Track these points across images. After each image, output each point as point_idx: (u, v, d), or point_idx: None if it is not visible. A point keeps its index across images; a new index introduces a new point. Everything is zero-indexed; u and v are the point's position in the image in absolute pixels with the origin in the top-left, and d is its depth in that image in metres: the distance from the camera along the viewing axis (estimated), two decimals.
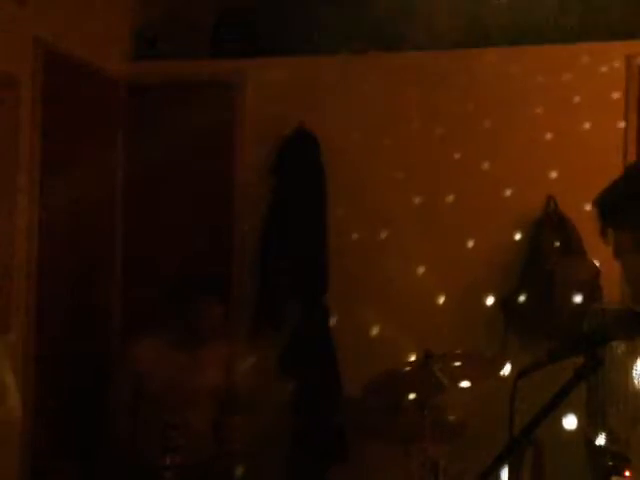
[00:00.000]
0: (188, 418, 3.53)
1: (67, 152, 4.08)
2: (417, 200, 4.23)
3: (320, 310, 4.28)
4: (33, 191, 3.83)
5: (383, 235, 4.27)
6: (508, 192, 4.13)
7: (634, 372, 2.11)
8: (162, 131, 4.46)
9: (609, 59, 4.06)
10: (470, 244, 4.17)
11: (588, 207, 1.85)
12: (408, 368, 3.44)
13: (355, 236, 4.30)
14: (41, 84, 3.85)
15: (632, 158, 3.97)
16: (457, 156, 4.22)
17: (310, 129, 4.33)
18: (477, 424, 3.65)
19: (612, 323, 1.64)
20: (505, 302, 4.07)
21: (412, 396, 3.34)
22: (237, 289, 4.41)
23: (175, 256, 4.42)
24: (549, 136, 4.10)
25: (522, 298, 3.99)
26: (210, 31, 4.64)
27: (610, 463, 2.01)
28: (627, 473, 1.92)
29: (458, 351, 3.55)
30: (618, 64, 4.04)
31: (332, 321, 4.28)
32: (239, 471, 3.73)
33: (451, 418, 3.60)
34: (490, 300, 4.09)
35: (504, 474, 1.48)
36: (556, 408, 1.48)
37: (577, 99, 4.09)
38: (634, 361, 2.15)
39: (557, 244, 3.97)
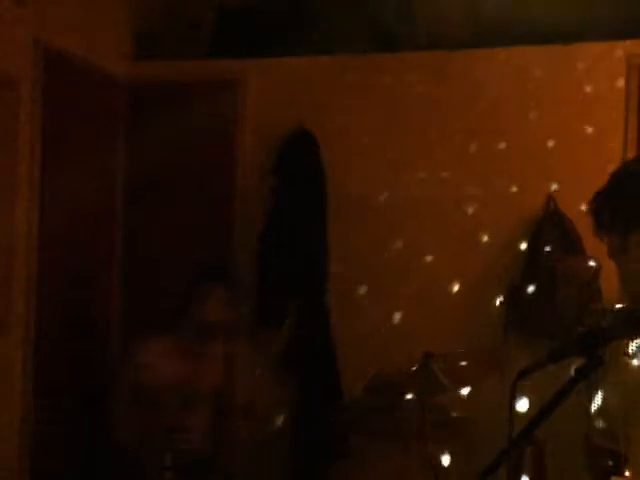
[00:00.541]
0: (188, 419, 3.53)
1: (67, 152, 4.08)
2: (417, 199, 4.23)
3: (320, 310, 4.28)
4: (33, 191, 3.83)
5: (383, 235, 4.27)
6: (508, 192, 4.13)
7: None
8: (162, 131, 4.45)
9: (609, 59, 4.06)
10: (470, 244, 4.17)
11: (589, 212, 1.87)
12: (408, 368, 3.44)
13: (355, 236, 4.30)
14: (41, 84, 3.85)
15: (632, 158, 3.97)
16: (457, 156, 4.22)
17: (310, 129, 4.32)
18: (477, 424, 3.65)
19: (612, 323, 1.64)
20: (505, 302, 4.07)
21: (412, 396, 3.34)
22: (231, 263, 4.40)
23: (175, 256, 4.43)
24: (549, 136, 4.10)
25: (522, 298, 3.99)
26: (210, 31, 4.64)
27: (610, 463, 2.01)
28: (627, 473, 1.92)
29: (458, 351, 3.55)
30: (618, 64, 4.04)
31: (332, 321, 4.28)
32: (239, 471, 3.73)
33: (451, 418, 3.60)
34: (490, 300, 4.09)
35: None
36: (556, 408, 1.48)
37: (577, 99, 4.09)
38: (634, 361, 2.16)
39: (557, 244, 3.97)
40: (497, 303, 4.09)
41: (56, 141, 3.96)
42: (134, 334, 3.94)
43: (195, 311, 3.61)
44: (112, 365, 4.24)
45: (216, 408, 3.78)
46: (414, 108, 4.30)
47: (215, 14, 4.64)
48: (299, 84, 4.41)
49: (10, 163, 3.69)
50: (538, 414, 1.49)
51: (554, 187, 4.04)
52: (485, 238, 4.15)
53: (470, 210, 4.18)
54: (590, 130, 4.05)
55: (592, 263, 3.87)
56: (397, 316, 4.17)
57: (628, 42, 4.03)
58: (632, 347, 1.97)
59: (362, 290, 4.27)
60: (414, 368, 3.36)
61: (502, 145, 4.18)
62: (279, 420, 4.21)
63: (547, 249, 3.98)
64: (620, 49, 4.04)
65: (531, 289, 3.98)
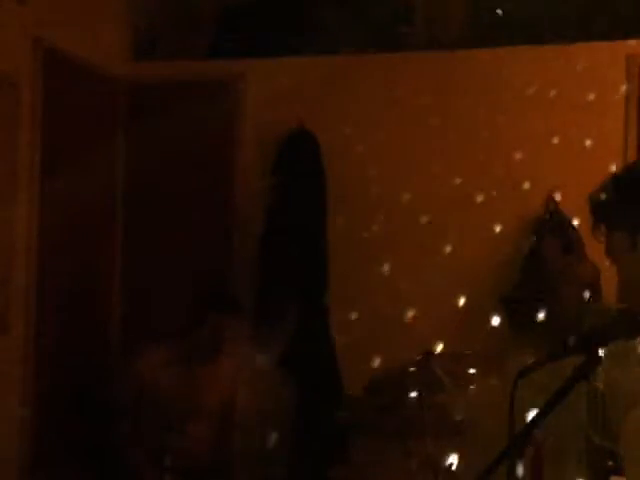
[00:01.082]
0: (189, 425, 3.53)
1: (67, 152, 4.08)
2: (417, 199, 4.23)
3: (320, 310, 4.28)
4: (33, 191, 3.84)
5: (383, 235, 4.27)
6: (508, 192, 4.13)
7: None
8: (162, 131, 4.45)
9: (609, 59, 4.06)
10: (470, 244, 4.17)
11: (588, 207, 1.84)
12: (408, 368, 3.44)
13: (355, 236, 4.30)
14: (41, 84, 3.86)
15: (632, 158, 3.97)
16: (457, 156, 4.22)
17: (310, 129, 4.32)
18: (477, 423, 3.65)
19: (612, 323, 1.64)
20: (505, 301, 4.07)
21: (412, 395, 3.34)
22: (237, 289, 4.41)
23: (175, 256, 4.43)
24: (549, 136, 4.10)
25: (522, 298, 3.99)
26: (210, 31, 4.64)
27: (610, 463, 2.01)
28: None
29: (458, 350, 3.55)
30: (618, 64, 4.04)
31: (332, 321, 4.28)
32: (239, 472, 3.73)
33: (451, 417, 3.60)
34: (490, 300, 4.09)
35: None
36: (556, 408, 1.48)
37: (577, 99, 4.09)
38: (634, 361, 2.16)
39: (557, 244, 3.97)
40: (497, 303, 4.09)
41: (56, 141, 3.96)
42: (134, 335, 3.94)
43: (202, 336, 3.64)
44: (112, 366, 4.24)
45: (219, 419, 3.76)
46: (414, 108, 4.30)
47: (215, 14, 4.64)
48: (299, 84, 4.41)
49: (10, 163, 3.69)
50: (538, 414, 1.48)
51: (554, 187, 4.04)
52: (485, 238, 4.15)
53: (470, 210, 4.18)
54: (590, 130, 4.05)
55: (592, 263, 3.87)
56: (397, 316, 4.17)
57: (628, 42, 4.03)
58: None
59: (362, 290, 4.26)
60: (414, 368, 3.36)
61: (502, 145, 4.18)
62: (279, 420, 4.21)
63: (547, 249, 3.98)
64: (620, 49, 4.04)
65: (531, 289, 3.97)
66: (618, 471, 1.93)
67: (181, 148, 4.46)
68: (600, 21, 4.13)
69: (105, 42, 4.41)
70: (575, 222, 3.95)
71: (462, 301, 4.15)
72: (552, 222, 4.02)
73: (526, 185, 4.11)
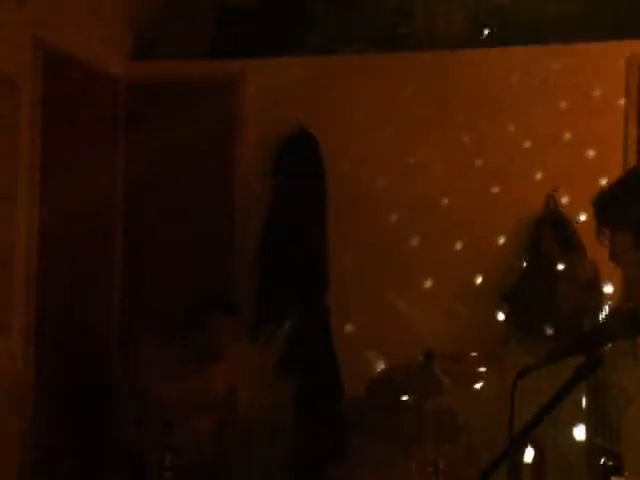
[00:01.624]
0: (191, 424, 3.53)
1: (67, 152, 4.08)
2: (417, 199, 4.23)
3: (320, 310, 4.28)
4: (33, 191, 3.84)
5: (383, 235, 4.27)
6: (508, 192, 4.13)
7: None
8: (162, 131, 4.45)
9: (609, 59, 4.06)
10: (470, 243, 4.17)
11: (588, 206, 1.84)
12: (409, 368, 3.44)
13: (355, 236, 4.30)
14: (41, 84, 3.86)
15: (632, 158, 3.97)
16: (457, 155, 4.22)
17: (310, 129, 4.32)
18: (477, 424, 3.65)
19: (612, 323, 1.64)
20: (505, 301, 4.07)
21: (412, 396, 3.34)
22: (237, 289, 4.41)
23: (175, 255, 4.43)
24: (549, 135, 4.10)
25: (522, 298, 3.99)
26: (210, 31, 4.64)
27: (610, 463, 2.01)
28: (627, 473, 1.92)
29: (458, 351, 3.55)
30: (618, 64, 4.04)
31: (332, 321, 4.28)
32: (240, 471, 3.73)
33: (451, 418, 3.60)
34: (490, 300, 4.09)
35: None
36: (556, 408, 1.48)
37: (577, 99, 4.09)
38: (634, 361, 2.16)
39: (557, 243, 3.97)
40: (497, 303, 4.09)
41: (56, 141, 3.96)
42: (134, 335, 3.94)
43: (204, 338, 3.63)
44: (113, 368, 4.24)
45: (220, 417, 3.76)
46: (414, 108, 4.30)
47: (215, 14, 4.64)
48: (299, 84, 4.41)
49: (10, 163, 3.69)
50: (538, 414, 1.48)
51: (554, 187, 4.04)
52: (485, 238, 4.15)
53: (470, 210, 4.18)
54: (590, 130, 4.05)
55: (592, 263, 3.87)
56: (397, 316, 4.17)
57: (628, 42, 4.03)
58: None
59: (362, 290, 4.26)
60: (415, 368, 3.36)
61: (502, 145, 4.18)
62: (280, 420, 4.21)
63: (547, 249, 3.99)
64: (620, 49, 4.04)
65: (531, 289, 3.98)
66: (618, 471, 1.93)
67: (181, 148, 4.45)
68: (600, 21, 4.12)
69: (105, 42, 4.41)
70: (575, 222, 3.95)
71: (462, 301, 4.15)
72: (552, 222, 4.02)
73: (526, 185, 4.11)
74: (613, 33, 4.06)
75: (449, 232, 4.21)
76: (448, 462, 3.22)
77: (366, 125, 4.33)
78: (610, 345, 1.58)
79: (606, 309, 3.45)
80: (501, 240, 4.14)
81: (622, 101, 4.04)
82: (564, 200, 4.02)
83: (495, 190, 4.15)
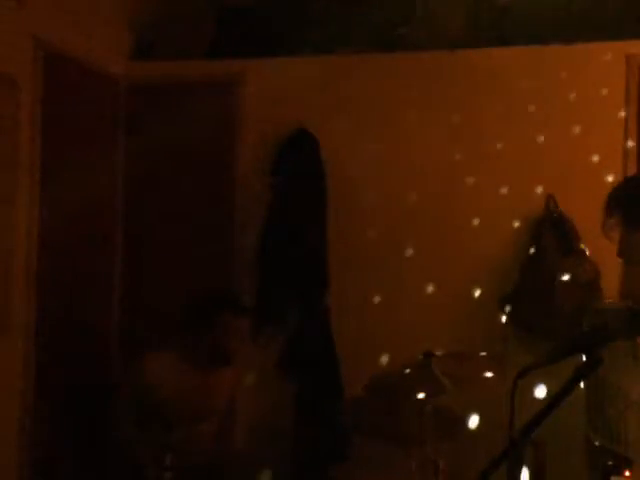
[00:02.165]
0: (193, 426, 3.52)
1: (67, 152, 4.08)
2: (417, 200, 4.23)
3: (320, 310, 4.28)
4: (33, 191, 3.83)
5: (383, 235, 4.27)
6: (508, 192, 4.13)
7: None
8: (162, 131, 4.46)
9: (609, 59, 4.06)
10: (470, 244, 4.17)
11: (588, 207, 1.84)
12: (408, 368, 3.43)
13: (355, 236, 4.30)
14: (41, 84, 3.86)
15: (632, 157, 3.97)
16: (457, 156, 4.22)
17: (310, 129, 4.32)
18: (477, 424, 3.65)
19: (612, 323, 1.64)
20: (505, 302, 4.07)
21: (412, 396, 3.33)
22: (237, 289, 4.41)
23: (175, 255, 4.43)
24: (549, 136, 4.10)
25: (522, 298, 3.99)
26: (210, 31, 4.64)
27: (610, 463, 2.01)
28: (627, 473, 1.92)
29: (458, 351, 3.54)
30: (618, 64, 4.04)
31: (332, 321, 4.28)
32: (240, 472, 3.73)
33: (451, 418, 3.59)
34: (490, 300, 4.09)
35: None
36: (556, 408, 1.48)
37: (577, 99, 4.09)
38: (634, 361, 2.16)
39: (557, 244, 3.97)
40: (497, 303, 4.09)
41: (56, 141, 3.96)
42: (134, 335, 3.93)
43: (212, 338, 3.58)
44: (113, 368, 4.24)
45: (223, 420, 3.75)
46: (414, 108, 4.30)
47: (215, 14, 4.64)
48: (299, 84, 4.41)
49: (10, 163, 3.69)
50: (538, 414, 1.48)
51: (554, 187, 4.04)
52: (485, 238, 4.15)
53: (470, 210, 4.18)
54: (590, 130, 4.05)
55: (592, 263, 3.87)
56: (397, 316, 4.17)
57: (628, 42, 4.03)
58: None
59: (362, 290, 4.26)
60: (415, 368, 3.36)
61: (502, 145, 4.18)
62: (280, 420, 4.21)
63: (547, 249, 3.98)
64: (620, 49, 4.04)
65: (531, 289, 3.98)
66: (618, 471, 1.93)
67: (181, 148, 4.46)
68: (600, 21, 4.12)
69: (105, 42, 4.41)
70: (575, 222, 3.95)
71: (462, 301, 4.15)
72: (552, 222, 4.02)
73: (526, 185, 4.11)
74: (613, 33, 4.06)
75: (449, 232, 4.21)
76: (448, 462, 3.21)
77: (366, 125, 4.33)
78: (610, 345, 1.58)
79: (606, 309, 3.44)
80: (501, 240, 4.14)
81: (622, 101, 4.04)
82: (564, 200, 4.02)
83: (495, 190, 4.14)
